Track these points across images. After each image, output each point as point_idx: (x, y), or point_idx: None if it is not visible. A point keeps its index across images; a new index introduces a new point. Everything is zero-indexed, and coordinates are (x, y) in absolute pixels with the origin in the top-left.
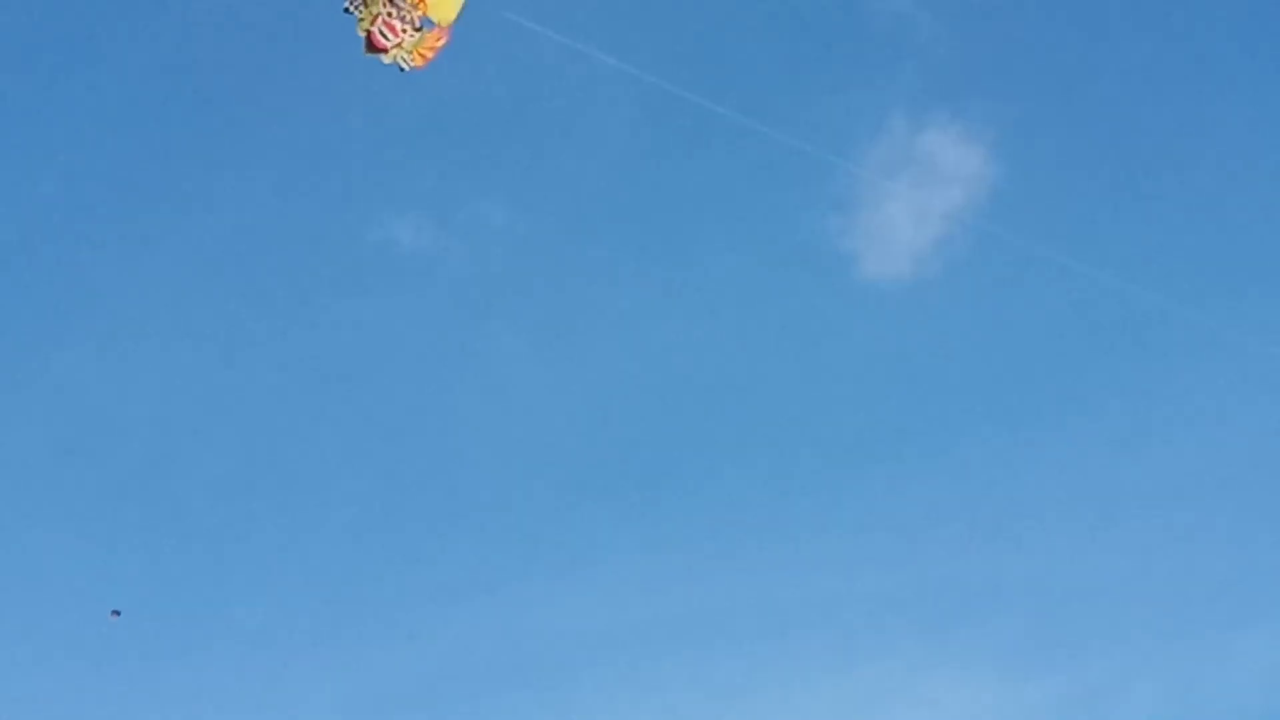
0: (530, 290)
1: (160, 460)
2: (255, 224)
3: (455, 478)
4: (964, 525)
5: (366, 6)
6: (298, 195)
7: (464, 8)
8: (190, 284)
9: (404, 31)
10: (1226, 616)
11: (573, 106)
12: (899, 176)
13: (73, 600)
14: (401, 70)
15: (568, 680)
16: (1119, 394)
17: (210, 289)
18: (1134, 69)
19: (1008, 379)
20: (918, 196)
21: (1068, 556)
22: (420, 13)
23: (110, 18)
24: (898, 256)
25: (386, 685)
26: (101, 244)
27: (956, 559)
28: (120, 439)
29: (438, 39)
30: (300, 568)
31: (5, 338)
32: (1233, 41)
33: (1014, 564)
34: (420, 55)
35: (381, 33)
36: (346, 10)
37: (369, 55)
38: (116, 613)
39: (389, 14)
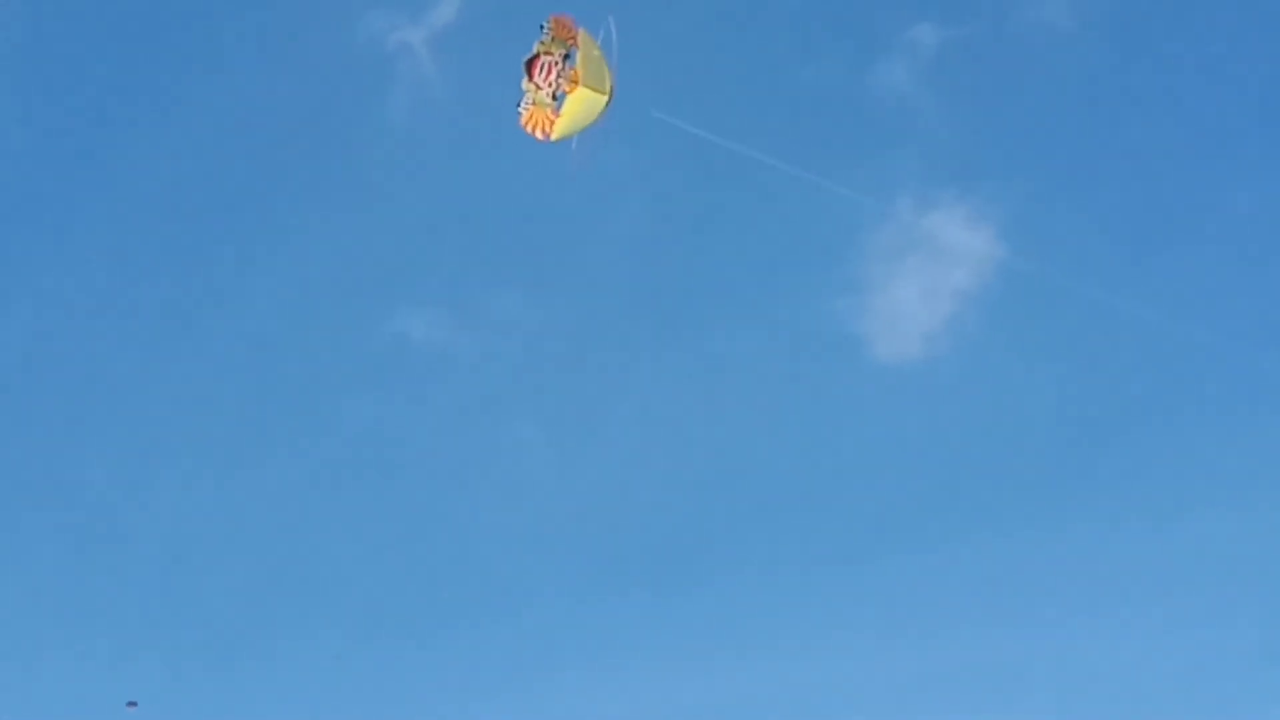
0: (546, 381)
1: (178, 562)
2: (269, 319)
3: (474, 572)
4: (988, 607)
5: (553, 39)
6: (313, 290)
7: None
8: (203, 381)
9: (553, 74)
10: (1251, 696)
11: (583, 201)
12: (907, 259)
13: (97, 703)
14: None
15: None
16: (1140, 474)
17: (226, 386)
18: (1139, 146)
19: (1025, 458)
20: (926, 277)
21: (1092, 637)
22: (568, 91)
23: (126, 114)
24: (908, 337)
25: None
26: (119, 345)
27: (981, 641)
28: (139, 543)
29: (551, 120)
30: (319, 666)
31: (30, 444)
32: (1239, 119)
33: (1039, 645)
34: (540, 123)
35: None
36: (542, 27)
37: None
38: (133, 704)
39: (556, 63)
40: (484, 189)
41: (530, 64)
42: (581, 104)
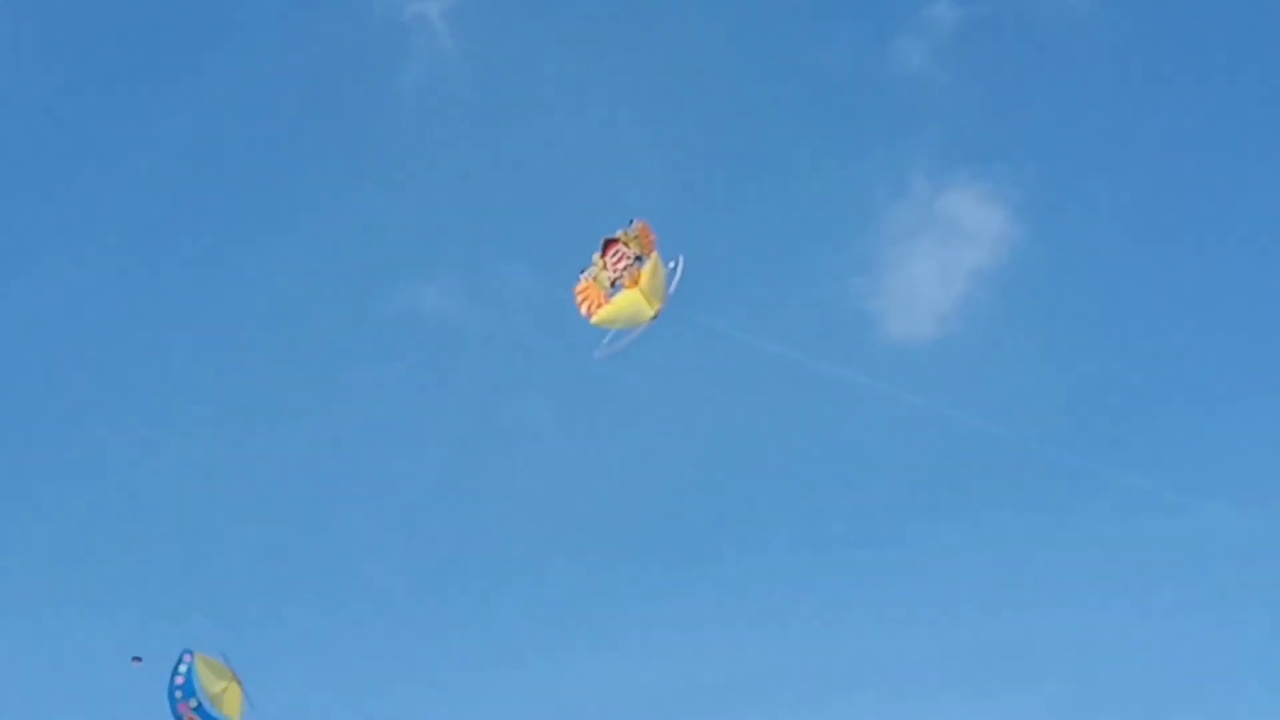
0: (557, 356)
1: (188, 532)
2: (280, 291)
3: (484, 545)
4: (1000, 590)
5: (630, 239)
6: (325, 261)
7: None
8: (216, 353)
9: (621, 265)
10: (1265, 686)
11: (597, 174)
12: (921, 238)
13: (103, 676)
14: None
15: None
16: (1153, 458)
17: (236, 358)
18: (1157, 127)
19: (1039, 441)
20: (940, 257)
21: (1104, 622)
22: (625, 288)
23: (139, 85)
24: (921, 316)
25: None
26: (132, 314)
27: (992, 625)
28: (148, 511)
29: (599, 302)
30: (326, 640)
31: (44, 411)
32: (1264, 103)
33: (1052, 628)
34: (591, 300)
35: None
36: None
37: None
38: (138, 659)
39: (629, 255)
40: (498, 162)
41: (608, 244)
42: (631, 305)
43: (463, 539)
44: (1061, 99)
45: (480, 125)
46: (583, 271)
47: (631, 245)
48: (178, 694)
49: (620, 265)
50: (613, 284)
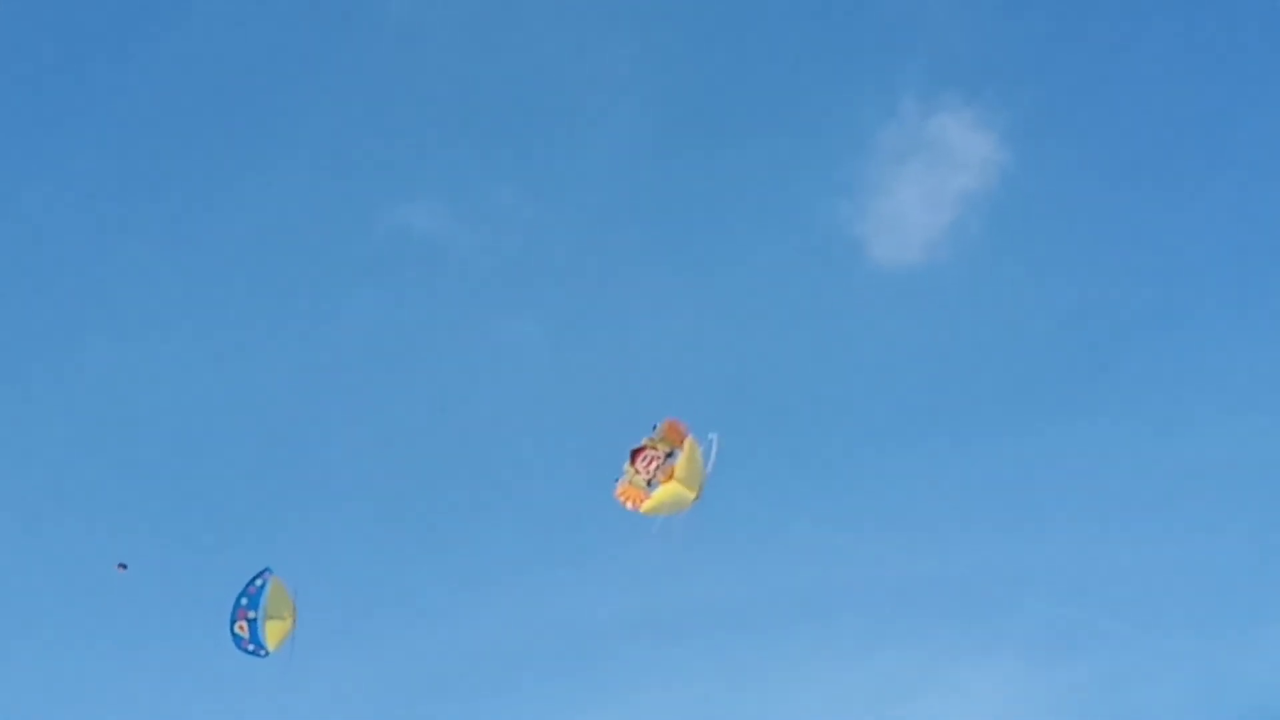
0: (545, 276)
1: (178, 449)
2: (269, 212)
3: (471, 466)
4: (988, 513)
5: (659, 439)
6: (311, 183)
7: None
8: (205, 274)
9: (653, 466)
10: (1253, 607)
11: (586, 96)
12: (910, 162)
13: (91, 588)
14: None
15: (591, 667)
16: (1141, 382)
17: (225, 279)
18: (1148, 54)
19: (1026, 366)
20: (929, 182)
21: (1092, 545)
22: (662, 483)
23: (125, 13)
24: (909, 242)
25: (405, 674)
26: (119, 236)
27: (980, 547)
28: (139, 428)
29: (642, 497)
30: (316, 557)
31: (30, 330)
32: (1252, 28)
33: (1039, 552)
34: (633, 497)
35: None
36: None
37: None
38: (123, 566)
39: (659, 457)
40: (486, 81)
41: (635, 453)
42: (672, 496)
43: (452, 458)
44: (1053, 24)
45: (469, 44)
46: (616, 480)
47: (659, 446)
48: (243, 600)
49: (652, 467)
50: (649, 483)
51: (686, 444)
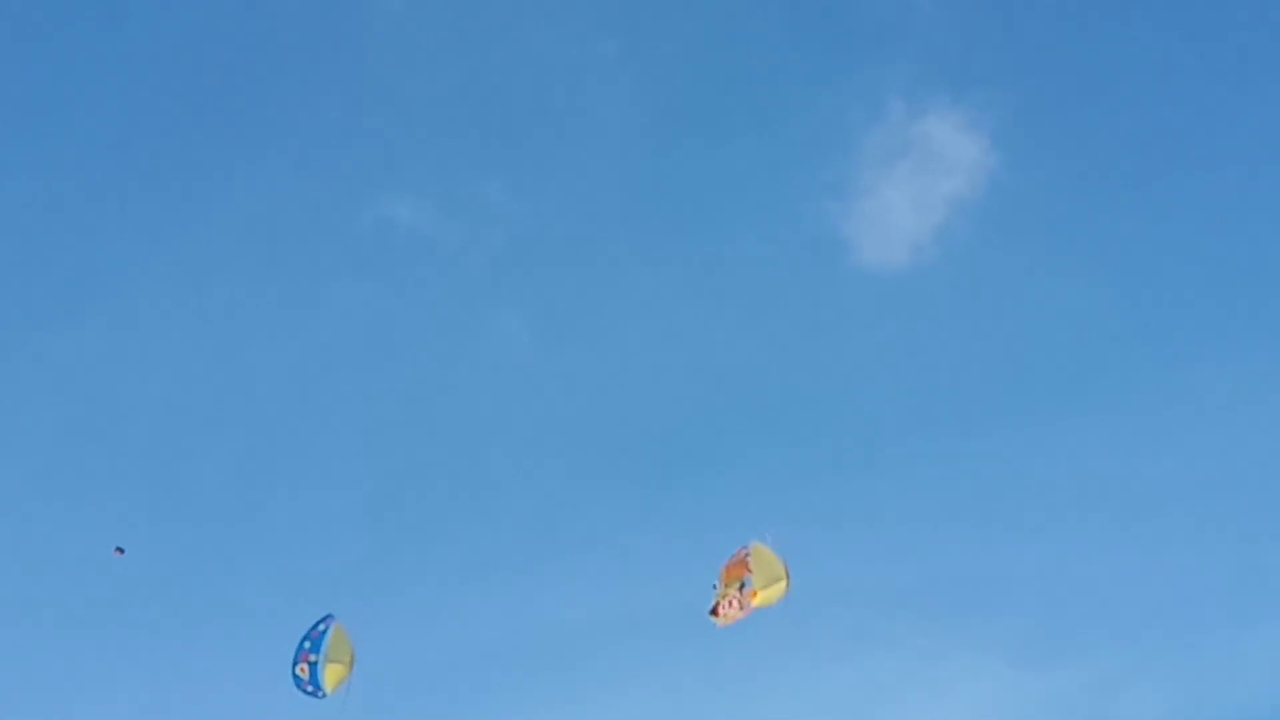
0: (531, 272)
1: (166, 444)
2: (255, 205)
3: (457, 461)
4: (972, 516)
5: (725, 586)
6: (297, 175)
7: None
8: (191, 267)
9: (735, 605)
10: (1235, 613)
11: (573, 91)
12: (897, 164)
13: (78, 582)
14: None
15: (573, 667)
16: (1125, 388)
17: (210, 272)
18: (1136, 55)
19: (1013, 369)
20: (916, 184)
21: (1077, 549)
22: (752, 602)
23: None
24: (896, 244)
25: (395, 672)
26: (105, 228)
27: (965, 551)
28: (124, 421)
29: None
30: (299, 551)
31: (15, 321)
32: (1237, 31)
33: (1023, 556)
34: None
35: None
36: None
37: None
38: (120, 550)
39: (734, 597)
40: (472, 76)
41: (714, 609)
42: (768, 602)
43: (437, 453)
44: (1041, 25)
45: (456, 38)
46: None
47: (730, 589)
48: (306, 644)
49: (734, 607)
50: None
51: (751, 563)
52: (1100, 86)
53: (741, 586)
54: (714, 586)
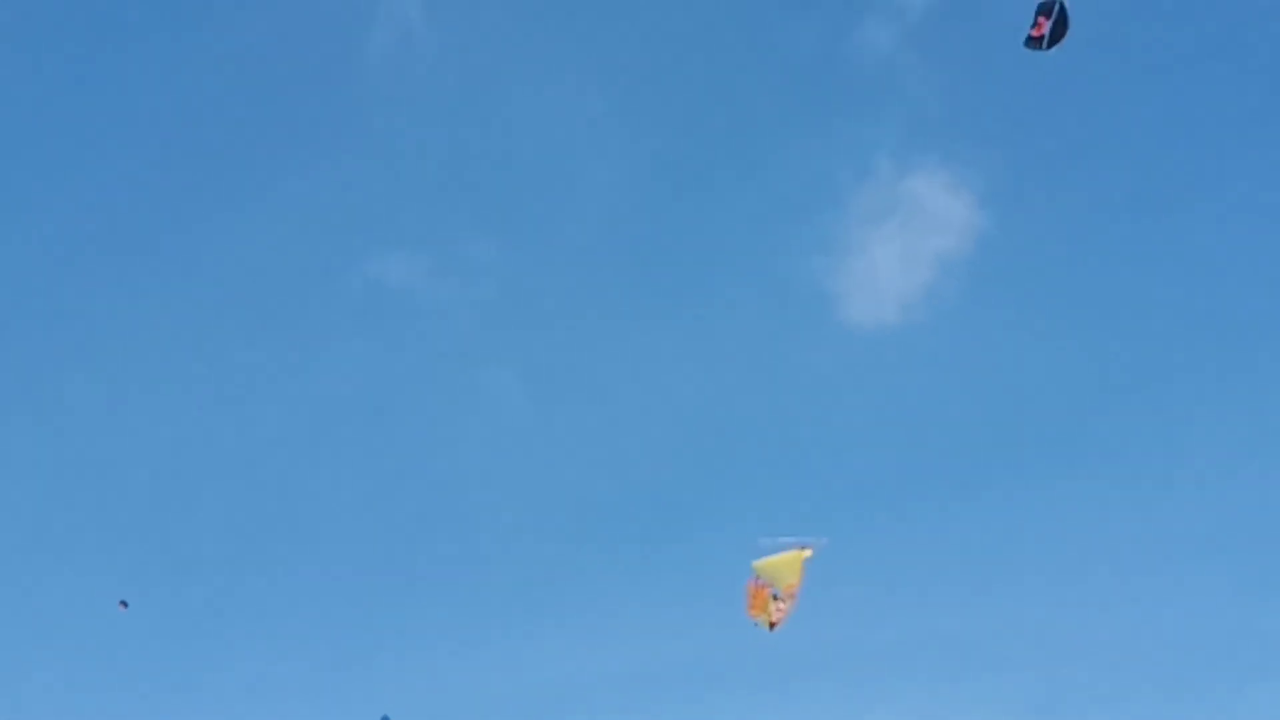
0: (522, 329)
1: (161, 505)
2: (247, 265)
3: (450, 517)
4: (968, 576)
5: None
6: (289, 231)
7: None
8: (183, 325)
9: (781, 610)
10: (1233, 672)
11: (562, 149)
12: (885, 222)
13: (77, 644)
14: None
15: None
16: (1117, 446)
17: (202, 334)
18: (1124, 115)
19: (1004, 428)
20: (904, 242)
21: (1068, 607)
22: (791, 593)
23: (101, 52)
24: (884, 301)
25: None
26: (101, 288)
27: (963, 610)
28: (120, 481)
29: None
30: (294, 608)
31: (11, 377)
32: (1227, 89)
33: (1016, 618)
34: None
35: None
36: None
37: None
38: (124, 604)
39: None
40: (464, 134)
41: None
42: (800, 578)
43: (431, 509)
44: (1028, 86)
45: (446, 97)
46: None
47: (764, 609)
48: None
49: (781, 612)
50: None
51: (761, 580)
52: (1087, 144)
53: (775, 597)
54: (755, 624)
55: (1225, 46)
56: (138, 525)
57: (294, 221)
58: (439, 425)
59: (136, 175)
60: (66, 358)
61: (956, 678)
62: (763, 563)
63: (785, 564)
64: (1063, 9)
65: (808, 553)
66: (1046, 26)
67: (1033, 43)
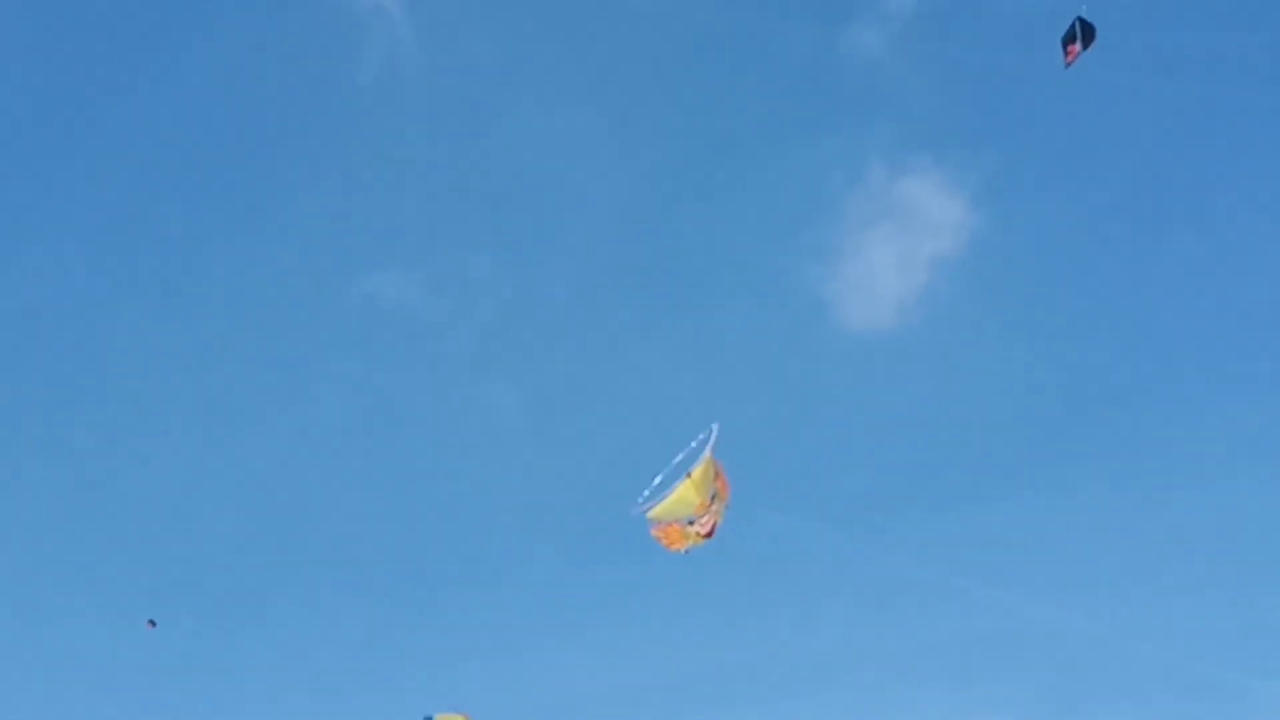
0: (519, 345)
1: (164, 529)
2: (243, 284)
3: (450, 534)
4: (972, 579)
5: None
6: (284, 252)
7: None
8: (182, 348)
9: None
10: (1239, 672)
11: (555, 162)
12: (880, 225)
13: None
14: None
15: None
16: (1121, 449)
17: (199, 355)
18: (1116, 114)
19: (1003, 431)
20: (899, 245)
21: (1073, 614)
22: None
23: (97, 78)
24: (881, 305)
25: None
26: (100, 312)
27: (976, 613)
28: (123, 503)
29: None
30: (296, 628)
31: (12, 412)
32: (1221, 87)
33: (1018, 621)
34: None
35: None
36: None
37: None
38: (152, 623)
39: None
40: (457, 151)
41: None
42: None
43: (430, 527)
44: (1018, 86)
45: (439, 115)
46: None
47: (679, 542)
48: None
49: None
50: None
51: (667, 513)
52: (1081, 141)
53: (690, 523)
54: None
55: (1222, 46)
56: (143, 545)
57: (290, 240)
58: (438, 441)
59: (132, 197)
60: (65, 379)
61: (972, 680)
62: (658, 509)
63: (682, 497)
64: (1085, 25)
65: (703, 462)
66: (1078, 50)
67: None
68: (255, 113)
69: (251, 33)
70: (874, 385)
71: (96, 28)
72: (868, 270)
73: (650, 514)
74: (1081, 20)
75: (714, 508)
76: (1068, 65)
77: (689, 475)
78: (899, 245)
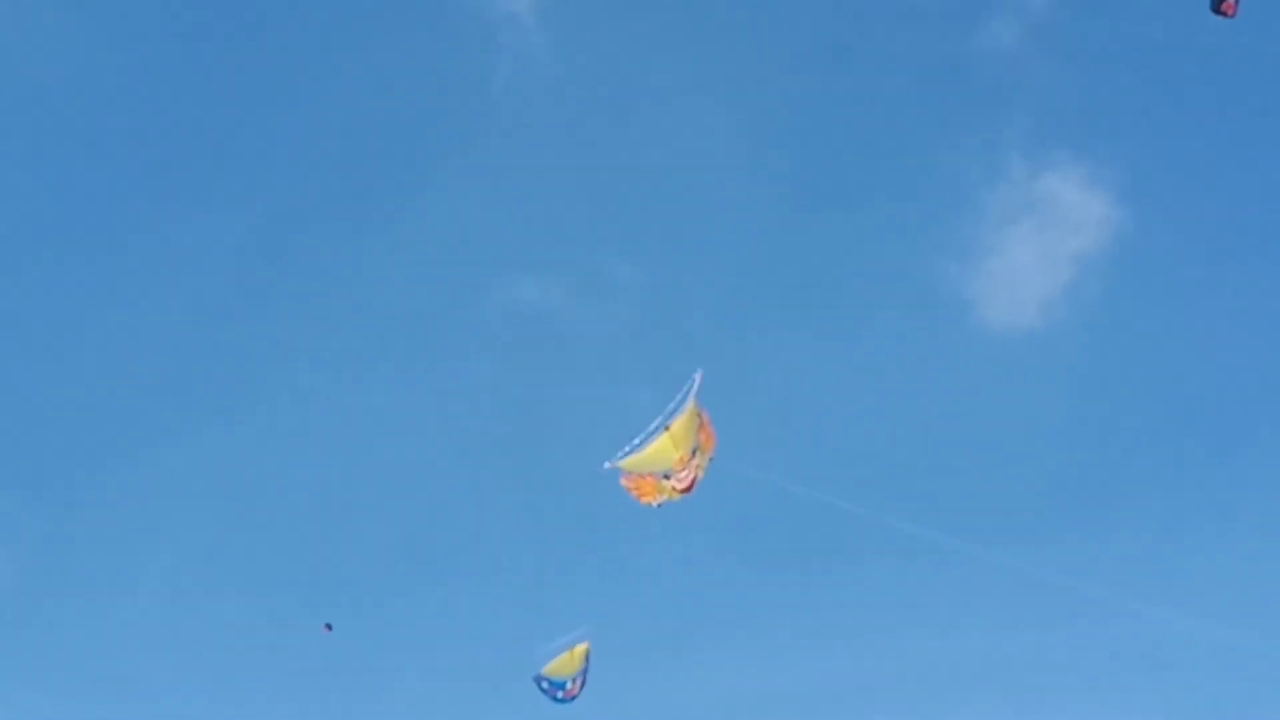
0: (659, 347)
1: (316, 533)
2: (387, 292)
3: (601, 543)
4: (1127, 587)
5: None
6: (427, 258)
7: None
8: (327, 353)
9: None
10: None
11: (695, 166)
12: (1020, 222)
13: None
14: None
15: None
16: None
17: (345, 356)
18: (1259, 106)
19: (1156, 432)
20: (1041, 242)
21: (1232, 618)
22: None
23: (234, 87)
24: (1024, 303)
25: None
26: (253, 315)
27: (1120, 621)
28: (277, 513)
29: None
30: (454, 636)
31: (170, 419)
32: None
33: (1180, 625)
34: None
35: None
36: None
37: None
38: (329, 626)
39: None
40: (594, 156)
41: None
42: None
43: (573, 533)
44: (1157, 76)
45: (575, 120)
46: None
47: (653, 495)
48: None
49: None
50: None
51: (640, 465)
52: (1225, 132)
53: (666, 477)
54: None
55: None
56: (292, 548)
57: (433, 246)
58: (579, 446)
59: (279, 205)
60: (221, 400)
61: (1118, 685)
62: (631, 460)
63: (659, 449)
64: None
65: (685, 413)
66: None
67: (1221, 11)
68: (396, 122)
69: (387, 46)
70: (1018, 386)
71: (235, 34)
72: (1009, 268)
73: (623, 464)
74: None
75: (695, 461)
76: (1231, 16)
77: (667, 428)
78: (1041, 242)
